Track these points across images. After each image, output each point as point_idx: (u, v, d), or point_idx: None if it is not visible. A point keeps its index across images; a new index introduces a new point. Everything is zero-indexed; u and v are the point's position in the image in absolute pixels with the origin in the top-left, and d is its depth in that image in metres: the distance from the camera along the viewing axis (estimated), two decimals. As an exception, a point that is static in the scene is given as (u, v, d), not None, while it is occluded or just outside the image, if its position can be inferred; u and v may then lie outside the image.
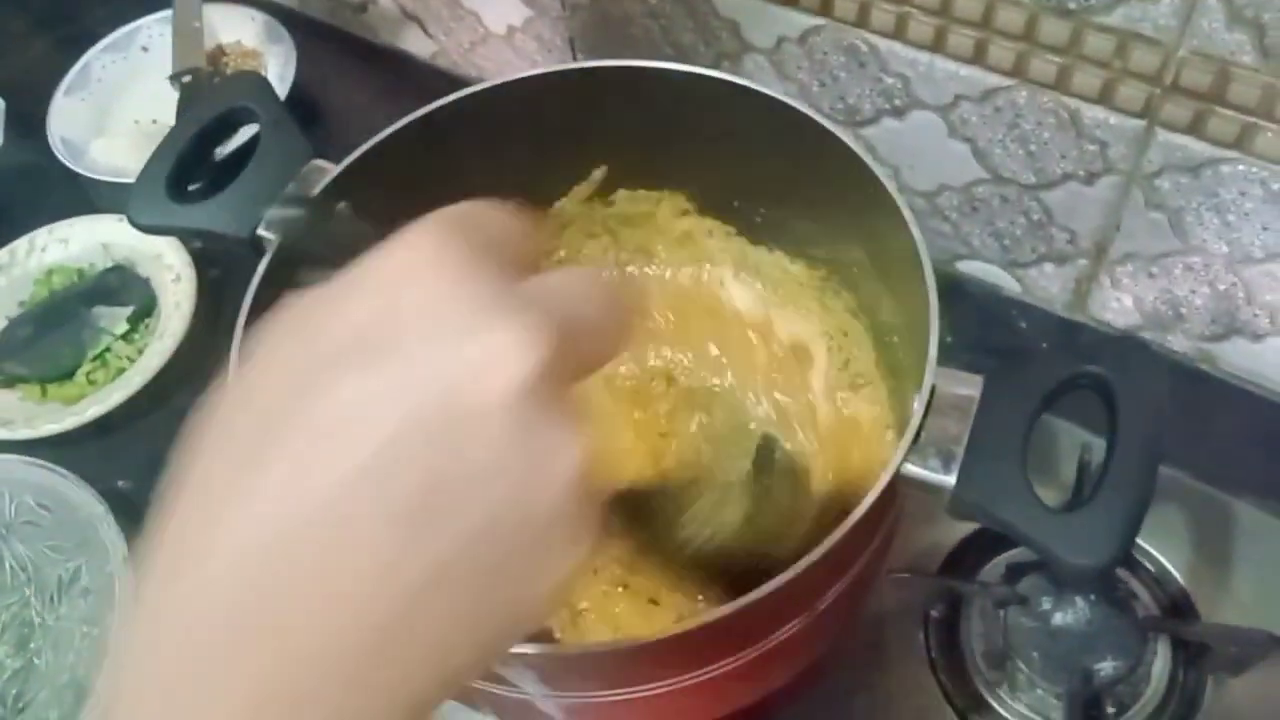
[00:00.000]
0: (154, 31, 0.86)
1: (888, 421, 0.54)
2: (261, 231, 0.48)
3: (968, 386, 0.40)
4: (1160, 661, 0.54)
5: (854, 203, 0.48)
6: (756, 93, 0.50)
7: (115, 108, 0.83)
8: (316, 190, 0.48)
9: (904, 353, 0.51)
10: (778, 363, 0.58)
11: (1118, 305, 0.64)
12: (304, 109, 0.82)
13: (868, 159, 0.46)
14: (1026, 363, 0.40)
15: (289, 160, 0.49)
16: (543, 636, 0.41)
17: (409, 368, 0.23)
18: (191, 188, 0.50)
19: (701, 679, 0.41)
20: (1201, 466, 0.59)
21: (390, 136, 0.51)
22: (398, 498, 0.22)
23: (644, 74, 0.52)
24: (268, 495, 0.22)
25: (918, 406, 0.40)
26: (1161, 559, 0.56)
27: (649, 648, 0.37)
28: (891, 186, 0.45)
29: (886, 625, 0.56)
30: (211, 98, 0.51)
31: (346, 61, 0.87)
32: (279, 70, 0.82)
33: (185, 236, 0.49)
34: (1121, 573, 0.56)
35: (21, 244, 0.75)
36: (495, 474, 0.23)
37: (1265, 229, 0.54)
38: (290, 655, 0.22)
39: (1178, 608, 0.55)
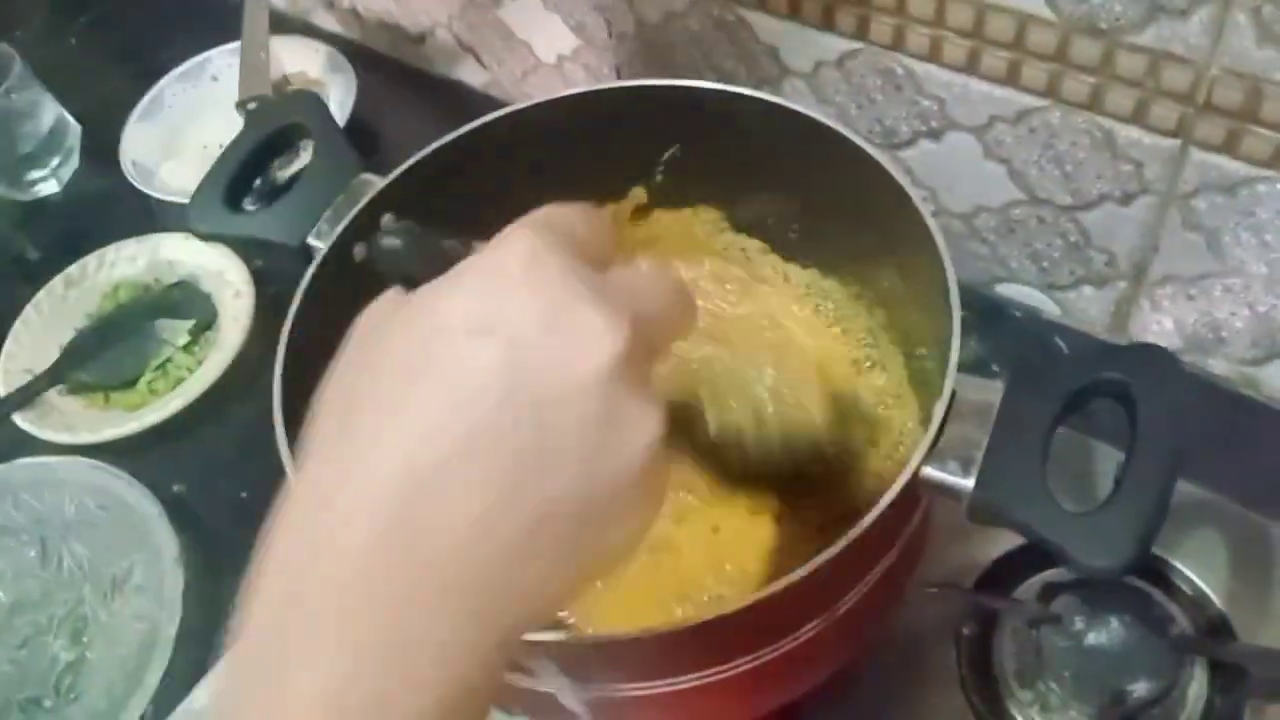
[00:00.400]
0: (223, 62, 0.90)
1: (917, 437, 0.54)
2: (311, 241, 0.51)
3: (988, 392, 0.41)
4: (1196, 685, 0.53)
5: (883, 218, 0.49)
6: (792, 111, 0.51)
7: (184, 133, 0.87)
8: (363, 202, 0.51)
9: (934, 368, 0.52)
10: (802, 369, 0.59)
11: (1158, 328, 0.63)
12: (363, 136, 0.85)
13: (892, 169, 0.47)
14: (1047, 369, 0.40)
15: (339, 174, 0.52)
16: (560, 625, 0.41)
17: (515, 346, 0.27)
18: (247, 199, 0.53)
19: (723, 676, 0.41)
20: (1242, 490, 0.58)
21: (436, 152, 0.53)
22: (495, 461, 0.26)
23: (682, 93, 0.54)
24: (401, 443, 0.26)
25: (938, 410, 0.40)
26: (1199, 582, 0.56)
27: (666, 637, 0.38)
28: (914, 194, 0.45)
29: (919, 641, 0.56)
30: (269, 115, 0.53)
31: (405, 91, 0.90)
32: (340, 99, 0.85)
33: (239, 244, 0.52)
34: (1158, 595, 0.55)
35: (92, 260, 0.79)
36: (586, 440, 0.27)
37: (1304, 249, 0.54)
38: (415, 582, 0.25)
39: (1215, 631, 0.54)
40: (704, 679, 0.41)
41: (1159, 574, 0.56)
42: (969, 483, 0.39)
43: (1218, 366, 0.63)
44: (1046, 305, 0.67)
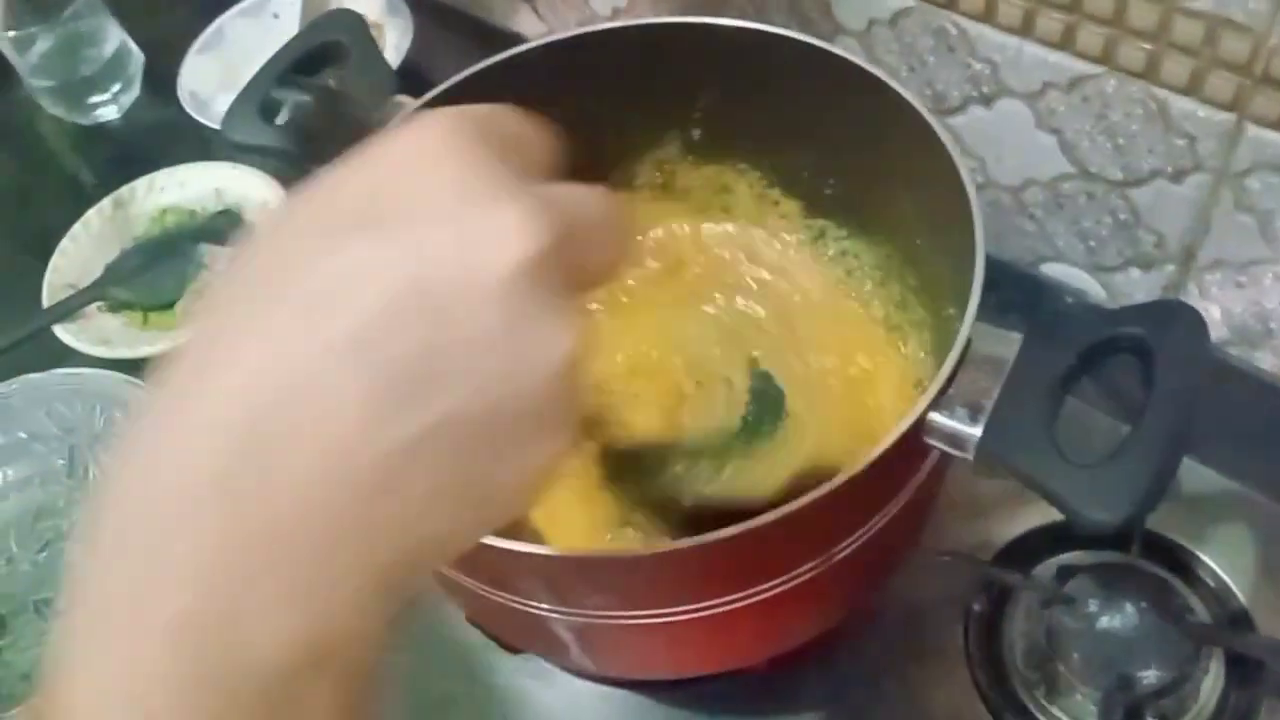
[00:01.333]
0: (285, 1, 0.91)
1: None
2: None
3: (1004, 344, 0.39)
4: (1211, 678, 0.51)
5: (919, 173, 0.48)
6: (834, 56, 0.50)
7: (242, 67, 0.87)
8: (394, 122, 0.50)
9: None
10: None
11: (1206, 317, 0.61)
12: (415, 80, 0.85)
13: (933, 121, 0.46)
14: (1065, 323, 0.39)
15: (373, 93, 0.52)
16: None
17: (410, 239, 0.23)
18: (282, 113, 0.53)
19: (712, 611, 0.41)
20: (1276, 485, 0.56)
21: (469, 79, 0.53)
22: (386, 363, 0.22)
23: (721, 31, 0.53)
24: (258, 353, 0.23)
25: (950, 358, 0.39)
26: (1223, 575, 0.54)
27: (654, 559, 0.37)
28: (946, 139, 0.44)
29: (926, 614, 0.55)
30: (307, 31, 0.54)
31: (461, 39, 0.90)
32: (395, 41, 0.85)
33: (271, 156, 0.53)
34: (1178, 584, 0.53)
35: (142, 183, 0.80)
36: (485, 349, 0.23)
37: (1361, 236, 0.52)
38: (268, 509, 0.22)
39: (1235, 624, 0.52)
40: (692, 612, 0.41)
41: (1181, 564, 0.54)
42: (976, 431, 0.38)
43: (1264, 360, 0.61)
44: (1093, 287, 0.65)
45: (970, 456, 0.38)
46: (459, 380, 0.23)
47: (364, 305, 0.22)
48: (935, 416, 0.38)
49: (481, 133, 0.25)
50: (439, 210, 0.23)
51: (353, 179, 0.24)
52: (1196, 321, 0.36)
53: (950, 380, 0.39)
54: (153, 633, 0.21)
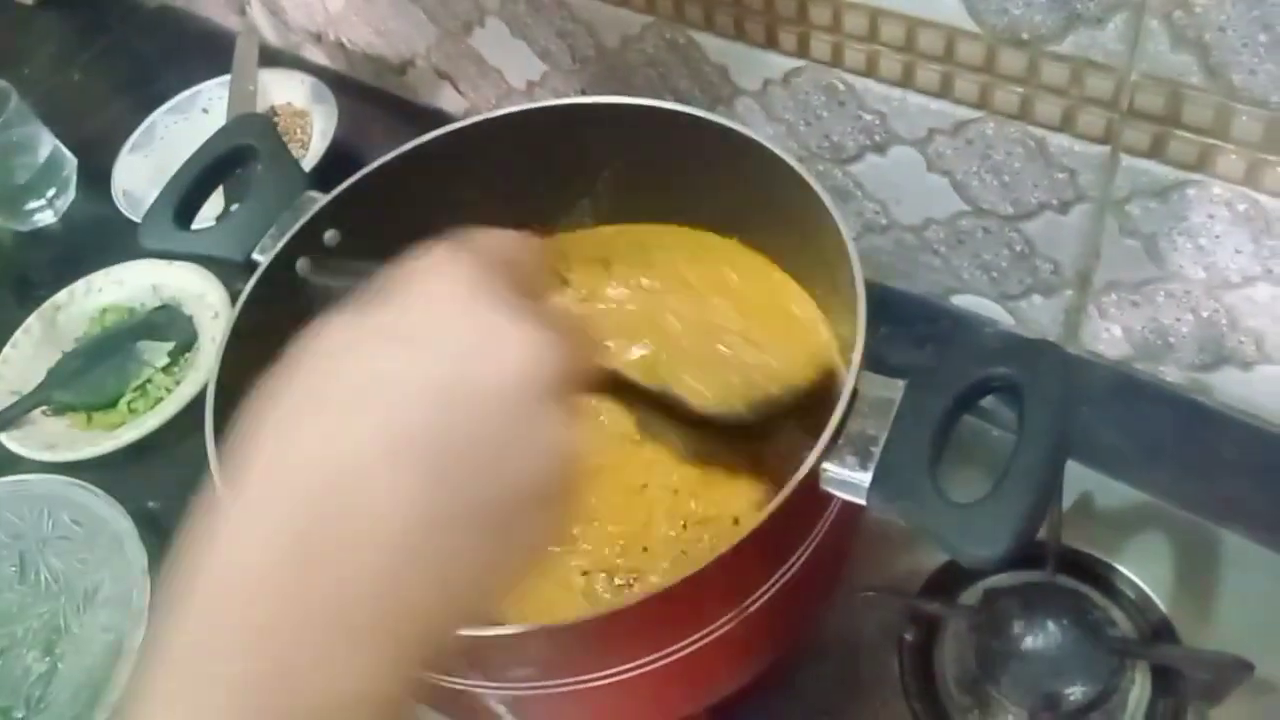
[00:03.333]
0: (214, 94, 0.93)
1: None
2: (256, 257, 0.53)
3: (890, 390, 0.41)
4: (1137, 690, 0.53)
5: (809, 226, 0.50)
6: (720, 125, 0.53)
7: (174, 164, 0.88)
8: (305, 219, 0.52)
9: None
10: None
11: (1108, 336, 0.63)
12: (345, 163, 0.87)
13: (808, 178, 0.48)
14: (945, 367, 0.41)
15: (284, 192, 0.54)
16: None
17: (438, 353, 0.28)
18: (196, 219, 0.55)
19: (637, 671, 0.42)
20: (1190, 496, 0.58)
21: (380, 168, 0.55)
22: (420, 453, 0.27)
23: (625, 110, 0.55)
24: (310, 448, 0.27)
25: (838, 409, 0.41)
26: (1142, 585, 0.56)
27: (567, 630, 0.39)
28: (826, 200, 0.47)
29: (859, 649, 0.56)
30: (217, 138, 0.56)
31: (387, 120, 0.93)
32: (323, 127, 0.88)
33: (190, 260, 0.54)
34: (1100, 599, 0.55)
35: (80, 285, 0.81)
36: (502, 446, 0.28)
37: (1238, 252, 0.54)
38: (325, 582, 0.26)
39: (1158, 635, 0.54)
40: (614, 676, 0.42)
41: (1101, 578, 0.56)
42: (866, 477, 0.40)
43: (1169, 374, 0.63)
44: (1000, 315, 0.68)
45: (863, 502, 0.40)
46: (479, 471, 0.28)
47: (403, 410, 0.27)
48: (827, 465, 0.40)
49: (488, 263, 0.30)
50: (460, 331, 0.29)
51: (385, 306, 0.30)
52: (1059, 361, 0.39)
53: (840, 429, 0.41)
54: (218, 687, 0.25)
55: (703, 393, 0.54)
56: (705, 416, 0.52)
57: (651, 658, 0.42)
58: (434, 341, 0.28)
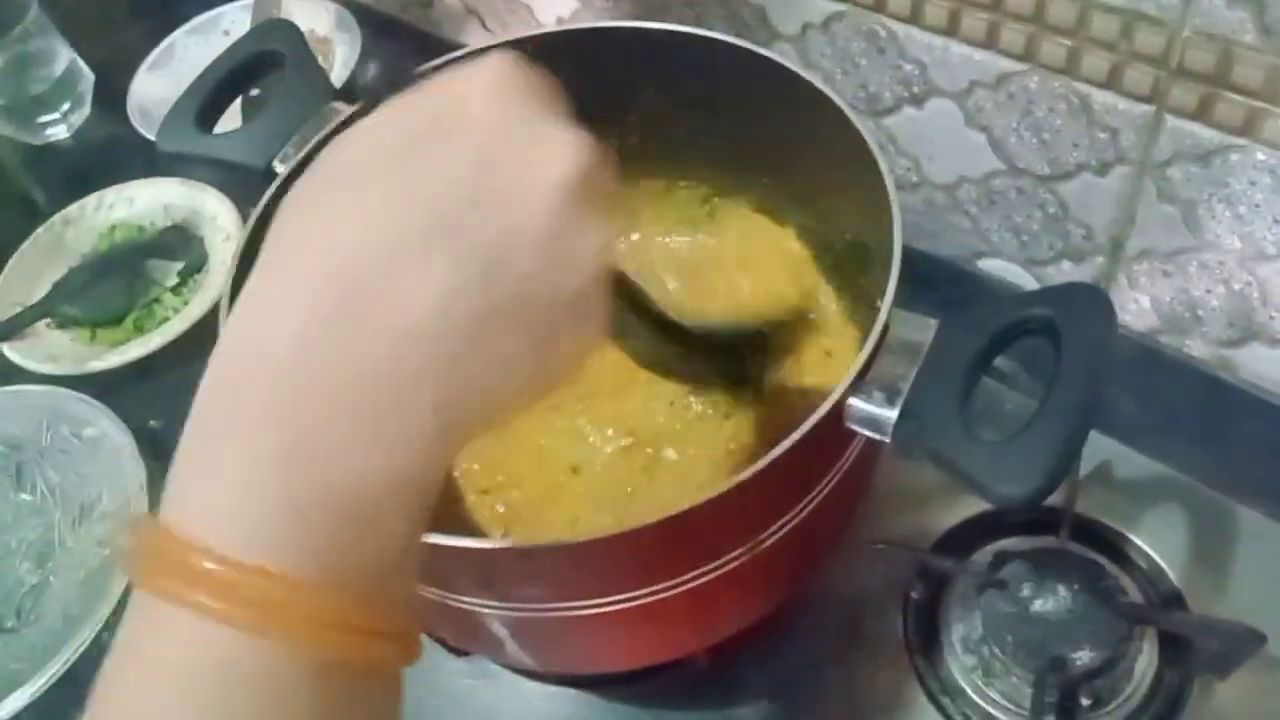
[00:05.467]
0: (235, 18, 0.91)
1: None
2: (277, 165, 0.51)
3: (922, 329, 0.40)
4: (1144, 659, 0.52)
5: (847, 170, 0.49)
6: (766, 60, 0.52)
7: None
8: (328, 128, 0.51)
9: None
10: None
11: (1136, 307, 0.62)
12: (363, 95, 0.86)
13: (855, 120, 0.47)
14: (979, 307, 0.40)
15: (308, 100, 0.52)
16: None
17: (482, 148, 0.28)
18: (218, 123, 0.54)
19: (644, 600, 0.41)
20: (1209, 470, 0.57)
21: (408, 82, 0.53)
22: (463, 247, 0.27)
23: (658, 36, 0.54)
24: (355, 231, 0.27)
25: (868, 344, 0.40)
26: (1155, 556, 0.55)
27: (578, 548, 0.38)
28: (875, 147, 0.45)
29: (866, 602, 0.56)
30: (244, 41, 0.54)
31: (411, 53, 0.91)
32: (345, 56, 0.86)
33: (207, 166, 0.53)
34: (1110, 567, 0.54)
35: (91, 200, 0.80)
36: (542, 243, 0.28)
37: (1277, 222, 0.53)
38: (360, 360, 0.26)
39: (1169, 606, 0.53)
40: (622, 603, 0.41)
41: (1114, 546, 0.55)
42: (892, 414, 0.39)
43: (1195, 348, 0.62)
44: (1027, 281, 0.67)
45: (888, 439, 0.39)
46: (515, 269, 0.27)
47: (446, 197, 0.27)
48: (853, 401, 0.39)
49: (529, 74, 0.30)
50: (504, 128, 0.28)
51: (429, 99, 0.29)
52: (1102, 302, 0.37)
53: (868, 365, 0.40)
54: (257, 461, 0.25)
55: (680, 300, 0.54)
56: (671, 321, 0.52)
57: (660, 586, 0.41)
58: (480, 136, 0.28)
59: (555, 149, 0.28)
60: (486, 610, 0.43)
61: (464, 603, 0.43)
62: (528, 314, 0.28)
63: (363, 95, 0.85)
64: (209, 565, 0.24)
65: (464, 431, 0.28)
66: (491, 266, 0.27)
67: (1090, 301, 0.37)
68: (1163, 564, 0.55)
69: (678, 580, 0.41)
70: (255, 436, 0.25)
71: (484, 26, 0.87)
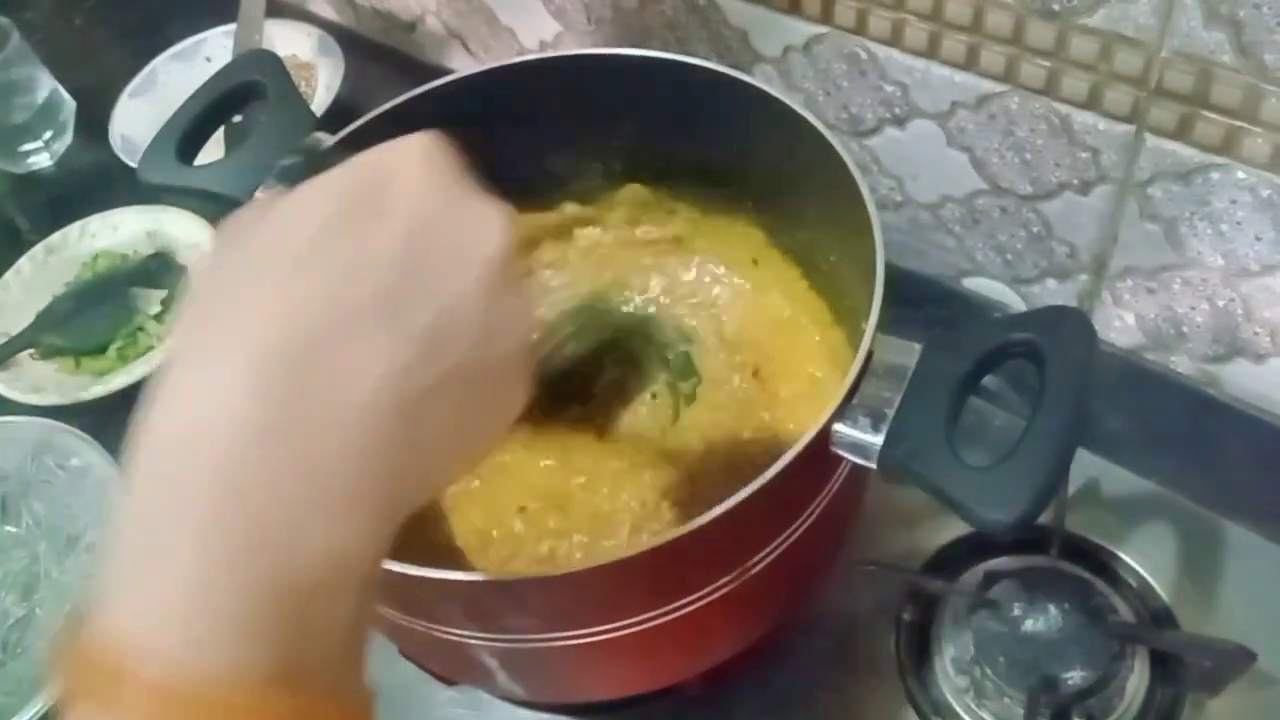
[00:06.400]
0: (218, 44, 0.91)
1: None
2: (260, 196, 0.51)
3: (905, 354, 0.40)
4: (1136, 677, 0.52)
5: (828, 192, 0.49)
6: (746, 84, 0.52)
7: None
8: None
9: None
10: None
11: (1120, 324, 0.63)
12: (349, 119, 0.86)
13: (834, 142, 0.47)
14: (963, 332, 0.40)
15: (291, 130, 0.52)
16: (464, 566, 0.41)
17: (419, 222, 0.28)
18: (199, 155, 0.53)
19: (629, 630, 0.41)
20: (1196, 487, 0.57)
21: (388, 112, 0.54)
22: (408, 323, 0.27)
23: (640, 63, 0.54)
24: (291, 310, 0.26)
25: (852, 369, 0.40)
26: (1144, 573, 0.55)
27: (565, 580, 0.38)
28: (855, 169, 0.45)
29: (858, 624, 0.55)
30: (225, 73, 0.54)
31: (394, 77, 0.91)
32: (328, 81, 0.86)
33: (189, 197, 0.53)
34: (1100, 585, 0.54)
35: (74, 228, 0.80)
36: (480, 314, 0.29)
37: (1258, 239, 0.53)
38: (307, 444, 0.25)
39: (1160, 624, 0.53)
40: (610, 632, 0.41)
41: (1103, 564, 0.55)
42: (878, 439, 0.39)
43: (1181, 364, 0.62)
44: (1012, 299, 0.67)
45: (873, 465, 0.39)
46: (461, 338, 0.28)
47: (386, 274, 0.27)
48: (839, 427, 0.39)
49: (451, 152, 0.31)
50: (437, 206, 0.29)
51: (360, 177, 0.29)
52: (1082, 324, 0.38)
53: (853, 390, 0.40)
54: (204, 561, 0.24)
55: None
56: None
57: (651, 614, 0.41)
58: (419, 214, 0.28)
59: (486, 225, 0.29)
60: (475, 641, 0.43)
61: (452, 634, 0.42)
62: (468, 384, 0.28)
63: (339, 126, 0.85)
64: (151, 676, 0.23)
65: (407, 505, 0.28)
66: (435, 342, 0.27)
67: (1072, 325, 0.37)
68: (1152, 581, 0.55)
69: (667, 609, 0.41)
70: (200, 534, 0.24)
71: (467, 50, 0.87)
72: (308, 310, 0.26)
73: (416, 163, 0.29)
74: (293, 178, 0.37)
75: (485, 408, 0.30)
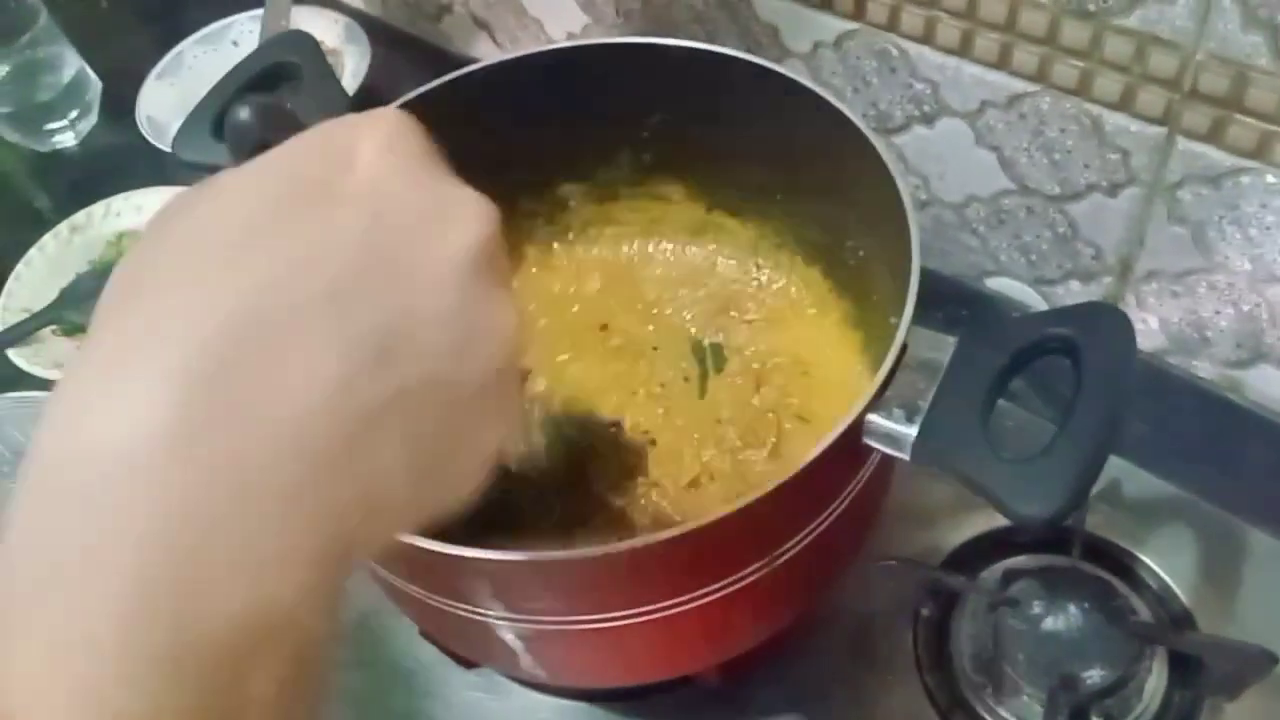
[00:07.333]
0: (245, 28, 0.91)
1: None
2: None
3: (940, 347, 0.40)
4: (1155, 678, 0.52)
5: (861, 188, 0.49)
6: (782, 77, 0.52)
7: (200, 93, 0.88)
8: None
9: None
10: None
11: (1144, 327, 0.63)
12: (373, 106, 0.86)
13: (873, 138, 0.47)
14: (998, 326, 0.40)
15: (325, 113, 0.52)
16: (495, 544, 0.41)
17: (377, 212, 0.24)
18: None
19: (657, 615, 0.41)
20: (1221, 493, 0.57)
21: (420, 98, 0.54)
22: (356, 327, 0.22)
23: (671, 53, 0.54)
24: (225, 307, 0.22)
25: (887, 360, 0.40)
26: (1164, 576, 0.55)
27: (598, 561, 0.38)
28: (892, 165, 0.46)
29: (874, 620, 0.56)
30: (261, 52, 0.54)
31: (419, 66, 0.91)
32: (353, 68, 0.86)
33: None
34: (1120, 586, 0.54)
35: (98, 208, 0.80)
36: (445, 323, 0.24)
37: (1288, 245, 0.53)
38: (224, 474, 0.21)
39: (1179, 627, 0.53)
40: (638, 616, 0.41)
41: (1124, 566, 0.55)
42: (912, 431, 0.39)
43: (1203, 369, 0.62)
44: (1035, 300, 0.67)
45: (907, 456, 0.39)
46: (420, 350, 0.23)
47: (334, 269, 0.23)
48: (873, 417, 0.39)
49: (421, 132, 0.27)
50: (403, 190, 0.25)
51: (311, 155, 0.25)
52: (1121, 321, 0.38)
53: (887, 382, 0.40)
54: (95, 612, 0.20)
55: None
56: None
57: (675, 601, 0.41)
58: (377, 200, 0.24)
59: (458, 214, 0.25)
60: (498, 621, 0.43)
61: (476, 613, 0.42)
62: (429, 408, 0.24)
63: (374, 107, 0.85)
64: None
65: (349, 556, 0.23)
66: (388, 351, 0.23)
67: (1111, 322, 0.38)
68: (1172, 584, 0.55)
69: (694, 595, 0.41)
70: (99, 578, 0.20)
71: (494, 40, 0.87)
72: (240, 309, 0.22)
73: (380, 141, 0.25)
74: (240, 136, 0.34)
75: (453, 439, 0.25)
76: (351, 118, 0.26)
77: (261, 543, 0.21)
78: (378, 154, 0.25)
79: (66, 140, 0.89)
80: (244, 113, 0.30)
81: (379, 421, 0.23)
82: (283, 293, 0.22)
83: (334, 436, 0.22)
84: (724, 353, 0.58)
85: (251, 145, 0.28)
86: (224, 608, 0.20)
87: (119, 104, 0.88)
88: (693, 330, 0.59)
